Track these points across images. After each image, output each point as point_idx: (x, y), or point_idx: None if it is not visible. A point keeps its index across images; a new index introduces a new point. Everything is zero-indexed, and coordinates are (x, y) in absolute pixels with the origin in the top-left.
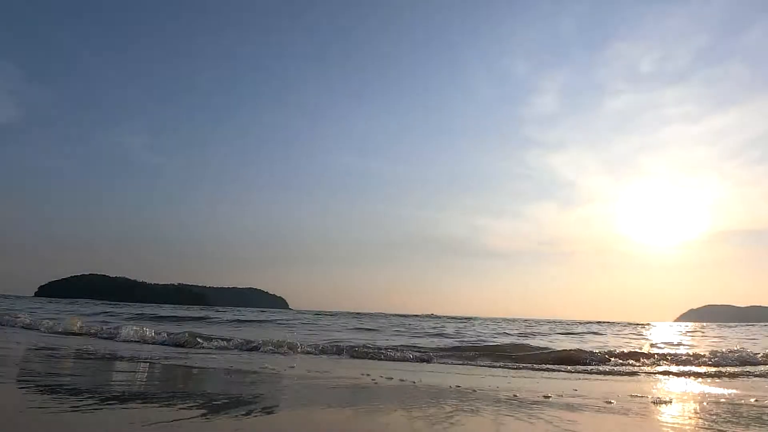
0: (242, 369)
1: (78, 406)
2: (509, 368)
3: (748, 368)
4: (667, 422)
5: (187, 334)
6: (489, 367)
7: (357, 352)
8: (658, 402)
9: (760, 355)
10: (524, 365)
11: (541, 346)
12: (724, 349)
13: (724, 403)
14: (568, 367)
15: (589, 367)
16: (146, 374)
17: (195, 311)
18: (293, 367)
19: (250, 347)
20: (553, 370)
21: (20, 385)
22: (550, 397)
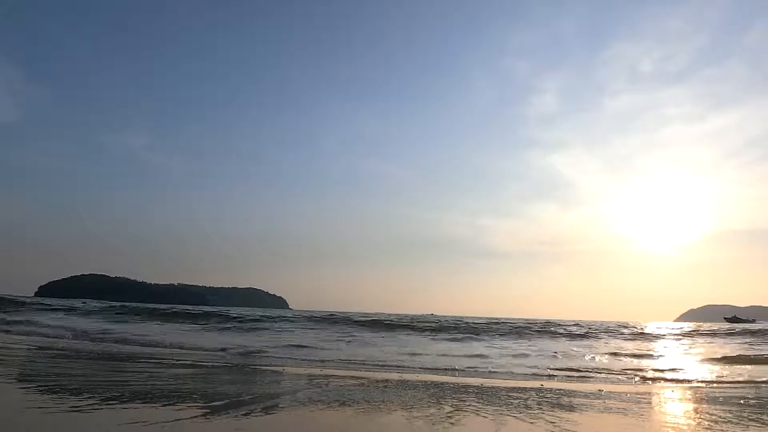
0: None
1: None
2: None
3: (749, 368)
4: (667, 422)
5: None
6: None
7: None
8: (659, 402)
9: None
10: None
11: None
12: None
13: (724, 403)
14: (572, 364)
15: (588, 366)
16: None
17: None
18: None
19: None
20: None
21: None
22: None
